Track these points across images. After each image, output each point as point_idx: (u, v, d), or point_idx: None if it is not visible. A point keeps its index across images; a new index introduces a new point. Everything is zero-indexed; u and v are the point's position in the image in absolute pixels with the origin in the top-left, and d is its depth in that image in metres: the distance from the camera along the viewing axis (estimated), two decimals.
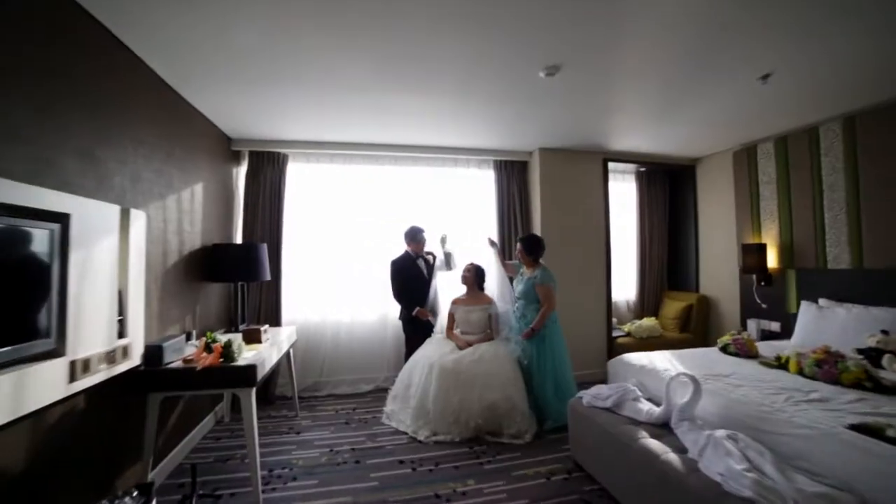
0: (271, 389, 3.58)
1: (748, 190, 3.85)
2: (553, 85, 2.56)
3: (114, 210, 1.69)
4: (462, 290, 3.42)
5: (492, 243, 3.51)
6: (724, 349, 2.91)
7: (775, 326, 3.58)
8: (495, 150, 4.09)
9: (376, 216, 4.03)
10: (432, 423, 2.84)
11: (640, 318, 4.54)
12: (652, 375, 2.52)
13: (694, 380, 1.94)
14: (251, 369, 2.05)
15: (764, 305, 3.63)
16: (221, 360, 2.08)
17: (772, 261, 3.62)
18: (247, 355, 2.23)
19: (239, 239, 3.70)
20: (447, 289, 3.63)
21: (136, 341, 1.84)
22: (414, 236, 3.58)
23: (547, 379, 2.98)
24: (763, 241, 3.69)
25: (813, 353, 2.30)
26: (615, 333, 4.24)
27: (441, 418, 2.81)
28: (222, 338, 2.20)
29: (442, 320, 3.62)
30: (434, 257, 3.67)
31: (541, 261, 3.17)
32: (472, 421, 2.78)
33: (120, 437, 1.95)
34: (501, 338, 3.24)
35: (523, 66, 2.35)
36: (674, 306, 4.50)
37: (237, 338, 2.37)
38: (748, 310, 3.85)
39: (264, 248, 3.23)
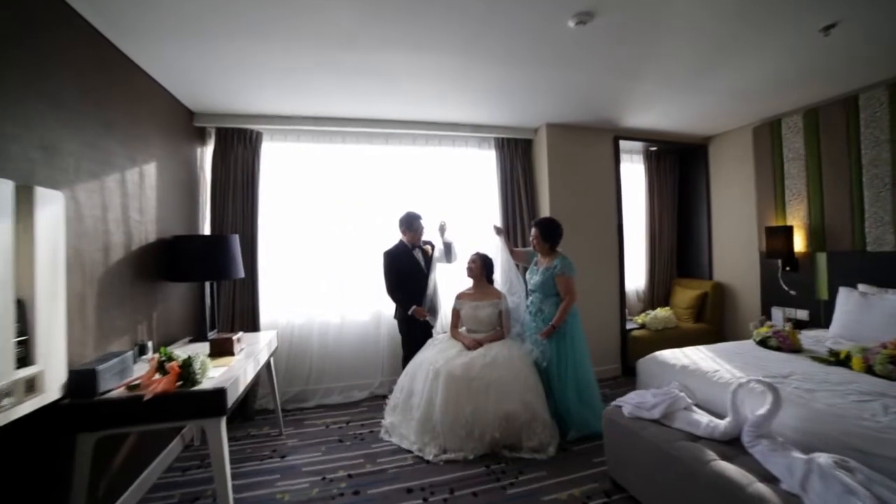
0: (250, 403, 3.11)
1: (771, 168, 3.56)
2: (578, 38, 2.15)
3: (2, 187, 1.18)
4: (466, 282, 3.02)
5: (498, 231, 3.12)
6: (764, 343, 2.62)
7: (803, 314, 3.32)
8: (497, 126, 3.66)
9: (366, 202, 3.56)
10: (440, 437, 2.45)
11: (652, 308, 4.25)
12: (697, 377, 2.19)
13: (772, 388, 1.60)
14: (219, 394, 1.60)
15: (792, 292, 3.36)
16: (179, 383, 1.62)
17: (799, 244, 3.35)
18: (214, 374, 1.77)
19: (206, 230, 3.17)
20: (447, 283, 3.24)
21: (54, 367, 1.35)
22: (410, 224, 3.13)
23: (568, 382, 2.63)
24: (789, 224, 3.42)
25: (884, 347, 2.00)
26: (628, 326, 3.94)
27: (451, 432, 2.43)
28: (180, 353, 1.73)
29: (443, 319, 3.23)
30: (432, 247, 3.23)
31: (558, 248, 2.80)
32: (488, 434, 2.41)
33: (37, 495, 1.47)
34: (513, 336, 2.87)
35: (550, 13, 1.93)
36: (686, 295, 4.22)
37: (202, 351, 1.90)
38: (770, 297, 3.58)
39: (236, 240, 2.72)
